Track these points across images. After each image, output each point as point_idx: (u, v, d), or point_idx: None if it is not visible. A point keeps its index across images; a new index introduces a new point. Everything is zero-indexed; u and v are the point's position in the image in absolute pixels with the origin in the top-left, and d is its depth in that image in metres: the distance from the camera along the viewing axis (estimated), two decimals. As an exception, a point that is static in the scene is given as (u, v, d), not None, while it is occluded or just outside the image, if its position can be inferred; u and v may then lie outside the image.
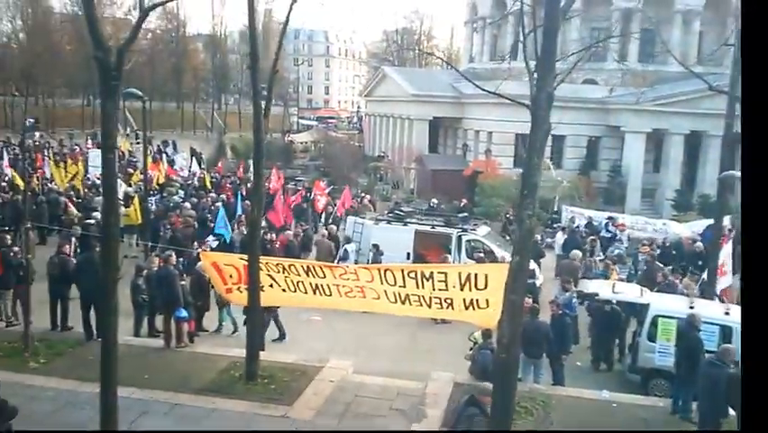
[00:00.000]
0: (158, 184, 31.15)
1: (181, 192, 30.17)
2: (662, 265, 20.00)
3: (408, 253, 20.50)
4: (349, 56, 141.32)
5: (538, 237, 22.80)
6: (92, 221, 21.87)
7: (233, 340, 15.99)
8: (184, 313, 14.83)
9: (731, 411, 10.68)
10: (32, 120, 23.14)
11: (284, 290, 14.04)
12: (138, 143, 43.32)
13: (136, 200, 23.48)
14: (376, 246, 20.19)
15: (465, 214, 25.63)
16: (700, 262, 20.75)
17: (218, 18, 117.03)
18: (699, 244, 22.79)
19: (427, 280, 13.17)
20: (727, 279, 17.58)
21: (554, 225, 27.80)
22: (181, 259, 17.97)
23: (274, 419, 11.60)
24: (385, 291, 13.49)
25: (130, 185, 28.98)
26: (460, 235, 20.72)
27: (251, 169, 31.68)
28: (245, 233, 21.99)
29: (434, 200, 31.94)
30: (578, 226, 26.51)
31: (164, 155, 43.89)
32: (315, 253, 21.70)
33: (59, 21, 79.32)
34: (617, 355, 15.91)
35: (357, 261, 19.77)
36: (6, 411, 8.85)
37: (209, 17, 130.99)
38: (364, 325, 16.78)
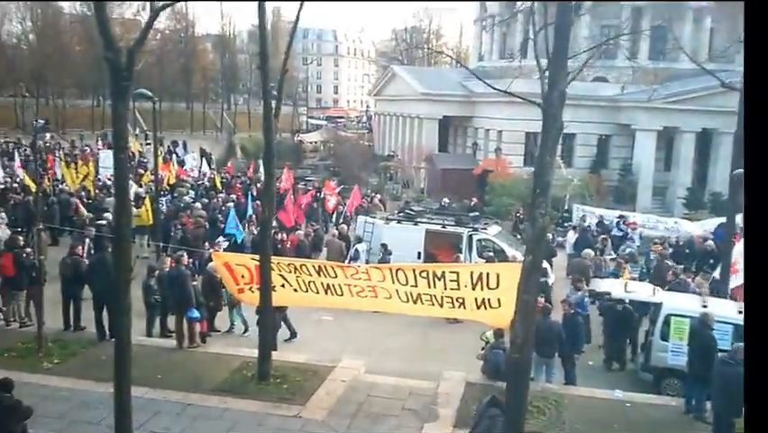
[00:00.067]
0: (168, 184, 31.19)
1: (192, 193, 30.21)
2: (671, 264, 19.89)
3: (419, 253, 20.46)
4: (358, 55, 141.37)
5: (549, 236, 22.70)
6: (103, 222, 21.93)
7: (244, 340, 16.02)
8: (196, 313, 14.87)
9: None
10: (42, 121, 23.22)
11: (295, 290, 14.08)
12: (148, 144, 43.40)
13: (147, 201, 23.54)
14: (384, 246, 20.17)
15: (476, 213, 25.55)
16: (712, 261, 20.63)
17: (227, 18, 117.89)
18: (711, 242, 22.67)
19: (439, 279, 13.18)
20: (740, 277, 17.44)
21: (565, 224, 27.67)
22: (191, 260, 18.00)
23: (287, 419, 11.61)
24: (397, 291, 13.50)
25: (140, 185, 29.04)
26: (471, 235, 20.67)
27: (261, 169, 31.84)
28: (255, 233, 22.12)
29: (446, 199, 31.85)
30: (589, 225, 26.40)
31: (174, 155, 44.01)
32: (326, 253, 21.70)
33: (68, 22, 79.75)
34: (629, 355, 15.84)
35: (368, 260, 19.75)
36: (21, 412, 8.91)
37: (218, 17, 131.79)
38: (376, 324, 16.78)
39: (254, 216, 23.59)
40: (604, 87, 41.47)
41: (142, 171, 34.06)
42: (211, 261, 16.43)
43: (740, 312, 13.60)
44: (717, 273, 17.97)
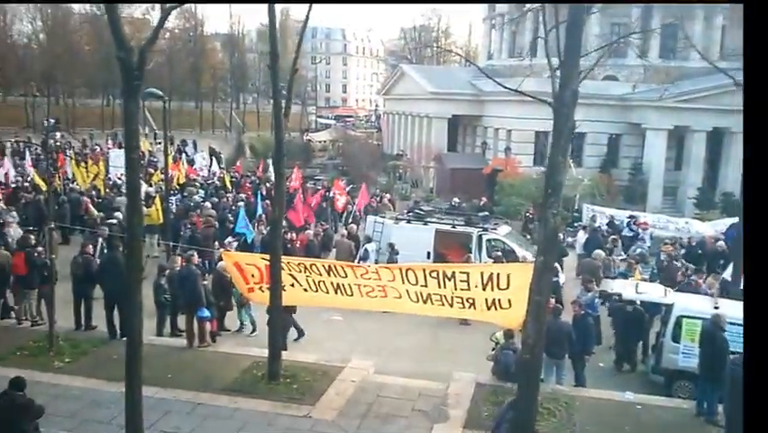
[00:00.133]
0: (178, 184, 31.26)
1: (201, 192, 30.26)
2: (680, 264, 19.79)
3: (429, 253, 20.41)
4: (366, 54, 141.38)
5: (560, 236, 22.62)
6: (114, 221, 21.99)
7: (254, 340, 16.01)
8: (206, 313, 14.89)
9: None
10: (52, 120, 23.29)
11: (305, 290, 14.09)
12: (159, 143, 43.51)
13: (157, 200, 23.58)
14: (392, 246, 20.15)
15: (485, 213, 25.48)
16: (722, 261, 20.51)
17: (236, 17, 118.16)
18: (722, 243, 22.53)
19: (449, 279, 13.16)
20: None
21: (575, 224, 27.57)
22: (200, 260, 18.00)
23: (296, 419, 11.61)
24: (407, 291, 13.50)
25: (150, 185, 29.11)
26: (480, 235, 20.61)
27: (271, 168, 31.85)
28: (263, 232, 22.14)
29: (456, 199, 31.78)
30: (599, 225, 26.29)
31: (184, 155, 44.10)
32: (335, 252, 21.69)
33: (78, 21, 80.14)
34: (640, 356, 15.76)
35: (377, 260, 19.71)
36: (33, 410, 8.94)
37: (227, 16, 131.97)
38: (385, 325, 16.76)
39: (264, 216, 23.63)
40: (614, 86, 41.25)
41: (152, 171, 34.13)
42: (221, 260, 16.45)
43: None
44: (727, 274, 17.87)
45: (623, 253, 22.61)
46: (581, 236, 24.35)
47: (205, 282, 15.83)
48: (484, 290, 12.99)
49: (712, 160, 39.28)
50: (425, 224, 21.20)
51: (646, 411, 12.46)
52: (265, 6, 12.77)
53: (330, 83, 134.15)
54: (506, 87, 13.49)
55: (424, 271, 13.46)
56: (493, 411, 11.89)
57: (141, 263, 9.21)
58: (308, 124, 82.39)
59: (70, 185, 30.39)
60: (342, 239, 22.39)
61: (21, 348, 14.16)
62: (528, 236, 25.25)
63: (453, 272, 13.32)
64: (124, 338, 10.74)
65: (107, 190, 29.80)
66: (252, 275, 14.42)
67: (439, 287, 13.28)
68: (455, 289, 13.21)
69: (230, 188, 32.58)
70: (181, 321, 15.83)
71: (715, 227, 25.80)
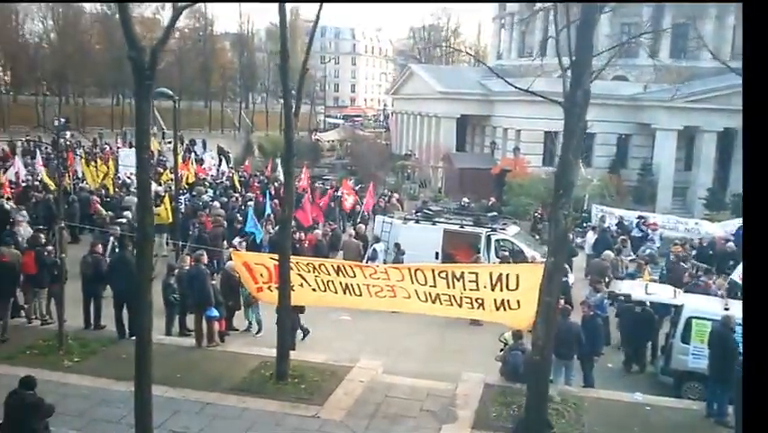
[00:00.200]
0: (187, 183, 31.33)
1: (210, 191, 30.33)
2: (686, 265, 19.69)
3: (437, 253, 20.39)
4: (375, 53, 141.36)
5: (570, 237, 22.56)
6: (123, 220, 22.07)
7: (262, 339, 16.01)
8: (215, 312, 14.90)
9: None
10: (63, 120, 23.37)
11: (314, 290, 14.10)
12: (168, 143, 43.63)
13: (167, 199, 23.64)
14: (398, 246, 20.14)
15: (494, 213, 25.43)
16: (732, 262, 20.40)
17: (245, 16, 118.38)
18: (732, 243, 22.42)
19: (458, 279, 13.14)
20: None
21: (584, 225, 27.49)
22: (208, 259, 18.02)
23: (305, 419, 11.60)
24: (416, 291, 13.48)
25: (160, 184, 29.19)
26: (489, 235, 20.57)
27: (279, 168, 31.88)
28: (271, 232, 22.16)
29: (465, 199, 31.73)
30: (608, 226, 26.21)
31: (192, 154, 44.20)
32: (343, 253, 21.66)
33: (89, 21, 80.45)
34: (648, 357, 15.69)
35: (386, 260, 19.72)
36: (43, 409, 8.96)
37: (236, 16, 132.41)
38: (394, 325, 16.74)
39: (272, 216, 23.64)
40: (624, 86, 41.12)
41: (161, 170, 34.24)
42: (230, 260, 16.47)
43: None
44: (735, 275, 17.77)
45: (632, 253, 22.53)
46: (590, 237, 24.29)
47: (214, 282, 15.85)
48: (493, 290, 12.96)
49: (722, 160, 39.04)
50: (433, 224, 21.19)
51: (656, 412, 12.39)
52: (274, 6, 12.80)
53: (339, 82, 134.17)
54: (516, 87, 13.45)
55: (433, 271, 13.44)
56: (502, 412, 11.91)
57: (151, 263, 9.23)
58: (317, 123, 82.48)
59: (80, 184, 30.51)
60: (350, 239, 22.36)
61: (30, 347, 14.21)
62: (537, 236, 25.19)
63: (462, 273, 13.29)
64: (133, 338, 10.79)
65: (116, 190, 29.90)
66: (261, 275, 14.42)
67: (448, 287, 13.26)
68: (464, 289, 13.18)
69: (239, 187, 32.64)
70: (190, 321, 15.86)
71: (725, 228, 25.66)
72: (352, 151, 51.57)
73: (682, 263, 19.74)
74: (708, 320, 13.23)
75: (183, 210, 24.16)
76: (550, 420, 10.53)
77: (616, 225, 26.92)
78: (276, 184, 30.91)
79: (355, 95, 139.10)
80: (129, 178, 30.44)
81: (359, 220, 27.44)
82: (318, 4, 13.71)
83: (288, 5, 12.88)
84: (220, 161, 41.17)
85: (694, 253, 22.03)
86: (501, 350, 13.74)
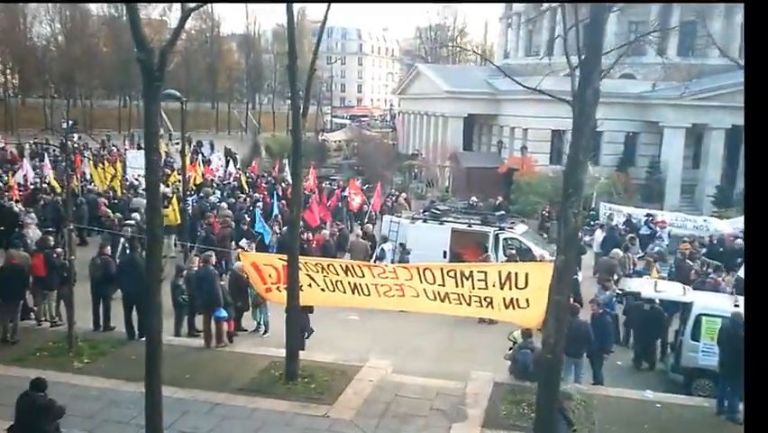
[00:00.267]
0: (194, 184, 31.38)
1: (218, 193, 30.38)
2: (692, 263, 19.62)
3: (445, 252, 20.37)
4: (382, 53, 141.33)
5: (579, 235, 22.52)
6: (131, 222, 22.13)
7: (271, 340, 16.01)
8: (223, 313, 14.91)
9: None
10: (71, 122, 23.49)
11: (323, 290, 14.11)
12: (176, 144, 43.69)
13: (174, 201, 23.69)
14: (403, 245, 20.14)
15: (502, 212, 25.39)
16: (740, 260, 20.31)
17: (252, 17, 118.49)
18: (740, 241, 22.32)
19: (467, 278, 13.13)
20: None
21: (592, 223, 27.43)
22: (216, 260, 18.06)
23: (315, 419, 11.61)
24: (424, 290, 13.48)
25: (167, 185, 29.25)
26: (497, 234, 20.55)
27: (286, 168, 31.90)
28: (278, 232, 22.18)
29: (474, 198, 31.70)
30: (616, 224, 26.15)
31: (200, 155, 44.27)
32: (351, 253, 21.67)
33: (96, 23, 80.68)
34: (658, 355, 15.64)
35: (393, 260, 19.71)
36: (54, 411, 8.99)
37: (243, 17, 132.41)
38: (403, 324, 16.73)
39: (280, 216, 23.66)
40: (631, 84, 40.98)
41: (169, 171, 34.31)
42: (238, 260, 16.49)
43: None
44: (742, 272, 17.69)
45: (640, 251, 22.47)
46: (599, 235, 24.25)
47: (223, 283, 15.88)
48: (502, 289, 12.94)
49: (731, 157, 38.82)
50: (441, 223, 21.18)
51: (666, 410, 12.37)
52: (281, 7, 12.79)
53: (345, 83, 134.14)
54: (523, 86, 13.42)
55: (441, 270, 13.44)
56: (511, 410, 11.89)
57: (161, 264, 9.24)
58: (323, 123, 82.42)
59: (88, 186, 30.61)
60: (357, 239, 22.36)
61: (40, 349, 14.27)
62: (545, 235, 25.15)
63: (471, 271, 13.28)
64: (143, 339, 10.80)
65: (124, 191, 29.97)
66: (270, 275, 14.45)
67: (456, 286, 13.25)
68: (473, 288, 13.18)
69: (246, 188, 32.68)
70: (199, 321, 15.90)
71: (733, 225, 25.54)
72: (359, 151, 51.53)
73: (689, 261, 19.68)
74: (718, 317, 13.17)
75: (191, 211, 24.23)
76: (570, 418, 10.48)
77: (624, 222, 26.87)
78: (283, 185, 30.94)
79: (362, 95, 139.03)
80: (137, 180, 30.53)
81: (366, 220, 27.44)
82: (326, 4, 13.75)
83: (295, 6, 12.83)
84: (227, 162, 41.18)
85: (704, 250, 21.93)
86: (510, 348, 13.72)
